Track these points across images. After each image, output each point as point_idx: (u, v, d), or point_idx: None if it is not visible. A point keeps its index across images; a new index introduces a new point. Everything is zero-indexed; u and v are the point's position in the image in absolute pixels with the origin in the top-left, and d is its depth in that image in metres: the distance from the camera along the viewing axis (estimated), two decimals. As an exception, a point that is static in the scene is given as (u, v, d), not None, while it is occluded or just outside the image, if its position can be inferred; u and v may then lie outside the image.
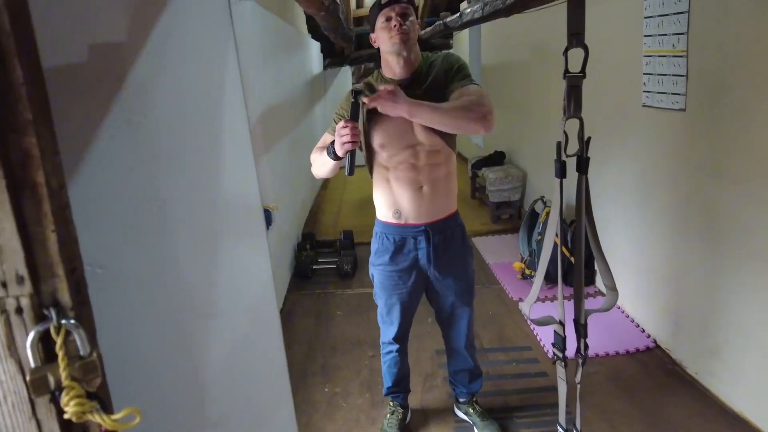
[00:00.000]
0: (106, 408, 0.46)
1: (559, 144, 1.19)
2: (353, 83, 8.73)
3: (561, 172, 1.21)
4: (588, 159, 1.21)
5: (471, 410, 2.14)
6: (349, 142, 1.49)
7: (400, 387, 2.13)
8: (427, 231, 1.75)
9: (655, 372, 2.43)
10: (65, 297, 0.46)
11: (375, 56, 8.45)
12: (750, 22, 1.87)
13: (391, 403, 2.17)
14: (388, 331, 1.98)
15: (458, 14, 4.62)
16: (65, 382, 0.44)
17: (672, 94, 2.27)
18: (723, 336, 2.16)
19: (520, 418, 2.19)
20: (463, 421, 2.18)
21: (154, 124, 0.75)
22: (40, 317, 0.46)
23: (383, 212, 1.79)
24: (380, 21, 1.61)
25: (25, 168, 0.43)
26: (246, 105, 0.84)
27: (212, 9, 0.73)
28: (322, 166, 1.69)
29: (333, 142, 1.57)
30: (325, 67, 8.22)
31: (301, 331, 3.04)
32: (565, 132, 1.18)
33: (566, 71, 1.17)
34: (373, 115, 1.62)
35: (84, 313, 0.48)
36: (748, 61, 1.89)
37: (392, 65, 1.65)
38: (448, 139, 1.71)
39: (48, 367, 0.45)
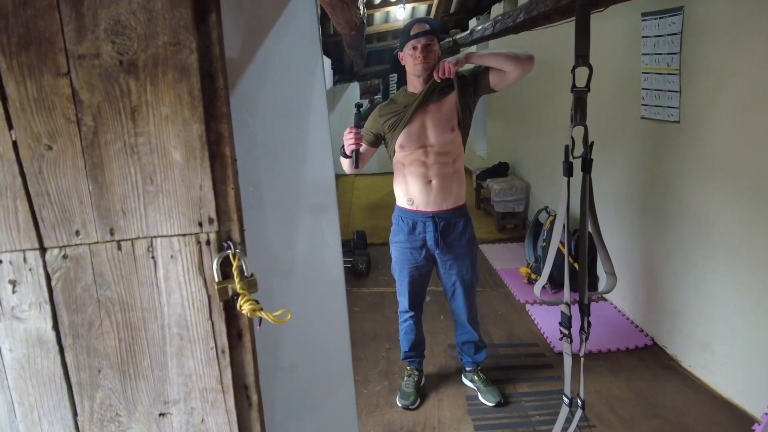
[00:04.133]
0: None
1: (567, 147, 1.40)
2: (359, 98, 9.11)
3: (568, 171, 1.42)
4: (591, 160, 1.42)
5: (476, 377, 2.46)
6: (353, 143, 1.92)
7: (416, 352, 2.46)
8: (435, 218, 2.11)
9: (652, 366, 2.63)
10: (236, 235, 0.68)
11: (381, 73, 8.76)
12: (735, 44, 2.10)
13: (408, 368, 2.49)
14: (403, 300, 2.33)
15: (469, 31, 4.88)
16: (240, 291, 0.65)
17: (668, 107, 2.49)
18: (714, 333, 2.36)
19: (521, 389, 2.47)
20: (470, 387, 2.49)
21: (257, 122, 0.97)
22: (220, 248, 0.67)
23: (401, 199, 2.18)
24: (408, 47, 1.99)
25: (218, 144, 0.65)
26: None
27: (304, 34, 0.95)
28: (342, 164, 2.08)
29: (342, 146, 1.99)
30: (335, 83, 8.53)
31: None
32: (572, 137, 1.40)
33: (573, 86, 1.38)
34: (399, 123, 2.04)
35: (244, 247, 0.70)
36: (734, 80, 2.11)
37: (414, 83, 2.05)
38: (458, 140, 2.08)
39: (226, 282, 0.66)
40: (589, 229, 1.50)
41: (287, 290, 1.04)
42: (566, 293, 1.56)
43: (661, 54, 2.49)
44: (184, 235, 0.65)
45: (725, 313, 2.27)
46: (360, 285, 3.82)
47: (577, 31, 1.36)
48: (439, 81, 1.94)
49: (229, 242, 0.67)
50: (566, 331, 1.57)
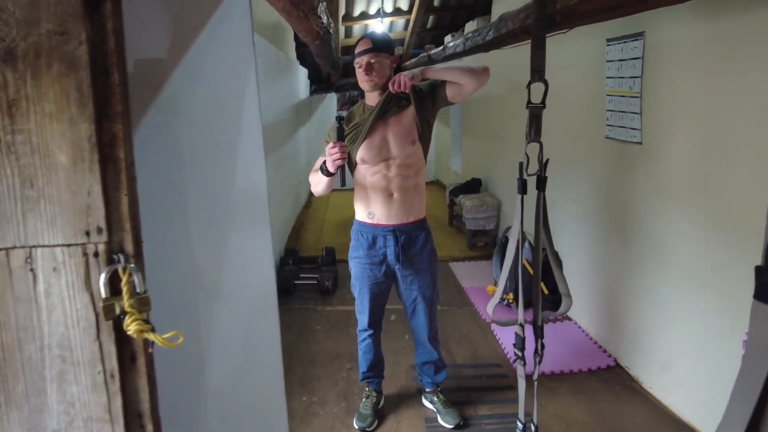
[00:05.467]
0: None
1: (521, 164, 1.37)
2: (338, 110, 9.03)
3: (522, 188, 1.39)
4: (546, 178, 1.39)
5: (435, 399, 2.40)
6: (339, 159, 1.83)
7: (374, 372, 2.39)
8: (395, 231, 2.08)
9: (614, 387, 2.60)
10: (129, 247, 0.61)
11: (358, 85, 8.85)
12: (697, 69, 2.13)
13: (367, 388, 2.42)
14: (363, 318, 2.27)
15: (442, 47, 4.91)
16: (128, 309, 0.59)
17: (631, 128, 2.51)
18: (673, 353, 2.36)
19: (482, 411, 2.41)
20: (429, 409, 2.42)
21: (182, 125, 0.91)
22: (110, 261, 0.60)
23: (360, 213, 2.14)
24: (356, 65, 2.03)
25: (112, 147, 0.59)
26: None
27: (238, 35, 0.90)
28: (318, 184, 2.01)
29: (325, 162, 1.89)
30: (312, 92, 8.48)
31: (281, 344, 3.13)
32: (526, 154, 1.37)
33: (529, 102, 1.36)
34: (358, 136, 2.01)
35: (140, 261, 0.63)
36: (691, 104, 2.14)
37: (369, 96, 2.08)
38: (419, 153, 2.07)
39: (114, 299, 0.60)
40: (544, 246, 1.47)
41: (214, 310, 0.97)
42: (520, 314, 1.52)
43: (623, 77, 2.52)
44: (68, 245, 0.59)
45: (685, 333, 2.27)
46: (325, 303, 3.73)
47: (533, 45, 1.34)
48: (394, 93, 1.96)
49: (121, 255, 0.60)
50: (519, 353, 1.53)
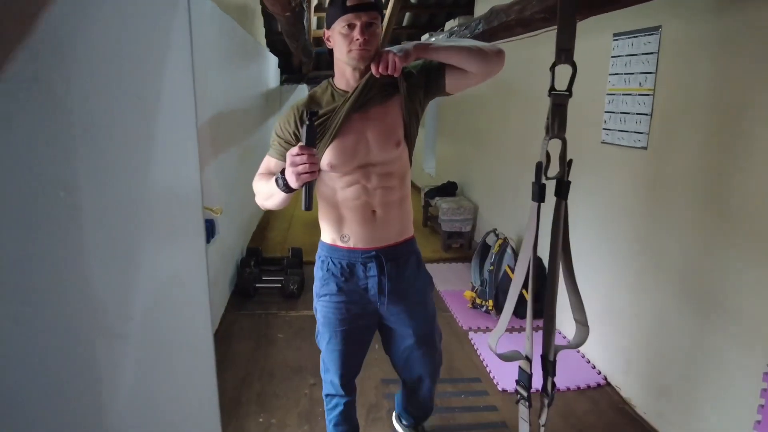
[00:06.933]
0: None
1: (539, 165, 1.10)
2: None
3: (540, 195, 1.12)
4: (569, 183, 1.13)
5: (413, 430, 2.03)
6: (307, 172, 1.25)
7: None
8: (379, 257, 1.54)
9: (605, 410, 2.39)
10: None
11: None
12: (717, 66, 1.91)
13: None
14: (333, 379, 1.69)
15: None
16: None
17: (635, 132, 2.29)
18: (672, 377, 2.15)
19: None
20: None
21: (71, 87, 0.58)
22: None
23: (329, 235, 1.59)
24: (340, 24, 1.38)
25: None
26: (198, 104, 0.69)
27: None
28: (269, 198, 1.44)
29: (283, 171, 1.32)
30: (282, 82, 8.07)
31: (237, 355, 2.80)
32: (547, 152, 1.10)
33: (552, 88, 1.09)
34: (325, 133, 1.44)
35: None
36: (713, 104, 1.92)
37: (347, 76, 1.47)
38: (404, 157, 1.56)
39: None
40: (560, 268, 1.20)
41: (119, 359, 0.65)
42: (527, 345, 1.25)
43: (633, 74, 2.29)
44: None
45: (686, 356, 2.06)
46: (289, 308, 3.40)
47: (562, 20, 1.07)
48: (378, 77, 1.41)
49: None
50: (524, 393, 1.26)
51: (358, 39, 1.37)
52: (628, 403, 2.41)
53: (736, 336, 1.81)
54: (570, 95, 1.09)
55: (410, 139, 1.55)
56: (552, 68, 1.08)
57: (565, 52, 1.07)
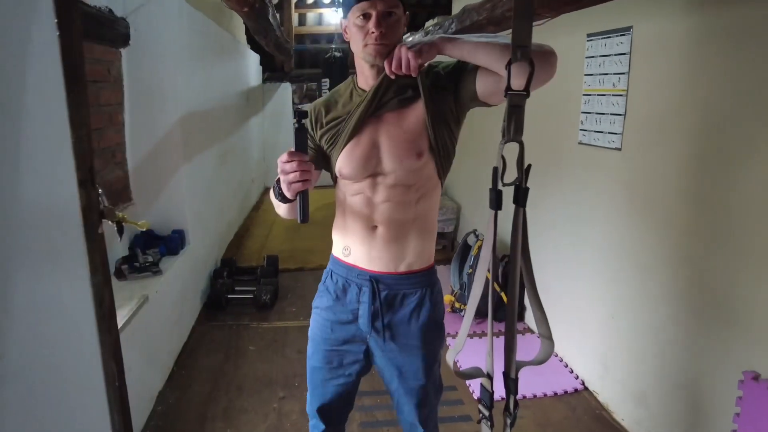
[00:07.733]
0: None
1: (495, 170, 1.02)
2: (294, 103, 8.33)
3: (496, 203, 1.05)
4: (527, 189, 1.05)
5: None
6: (298, 181, 1.09)
7: None
8: (373, 282, 1.33)
9: (582, 417, 2.33)
10: None
11: (317, 77, 8.12)
12: (688, 66, 1.86)
13: None
14: (310, 400, 1.49)
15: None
16: None
17: (609, 133, 2.24)
18: (648, 383, 2.09)
19: None
20: None
21: None
22: None
23: (336, 245, 1.43)
24: (354, 14, 1.20)
25: None
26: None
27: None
28: (277, 208, 1.31)
29: (278, 180, 1.17)
30: (264, 80, 7.94)
31: (205, 368, 2.69)
32: (503, 157, 1.02)
33: (508, 87, 1.01)
34: (339, 137, 1.29)
35: None
36: (685, 104, 1.87)
37: (365, 74, 1.28)
38: (427, 171, 1.32)
39: None
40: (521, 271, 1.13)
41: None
42: (488, 362, 1.18)
43: (607, 74, 2.24)
44: None
45: (664, 362, 2.00)
46: (261, 319, 3.30)
47: (517, 14, 0.99)
48: (393, 77, 1.22)
49: None
50: (486, 412, 1.19)
51: (373, 32, 1.18)
52: (606, 409, 2.36)
53: (713, 343, 1.76)
54: (528, 95, 1.01)
55: (440, 150, 1.31)
56: (507, 66, 1.01)
57: (521, 49, 0.99)
